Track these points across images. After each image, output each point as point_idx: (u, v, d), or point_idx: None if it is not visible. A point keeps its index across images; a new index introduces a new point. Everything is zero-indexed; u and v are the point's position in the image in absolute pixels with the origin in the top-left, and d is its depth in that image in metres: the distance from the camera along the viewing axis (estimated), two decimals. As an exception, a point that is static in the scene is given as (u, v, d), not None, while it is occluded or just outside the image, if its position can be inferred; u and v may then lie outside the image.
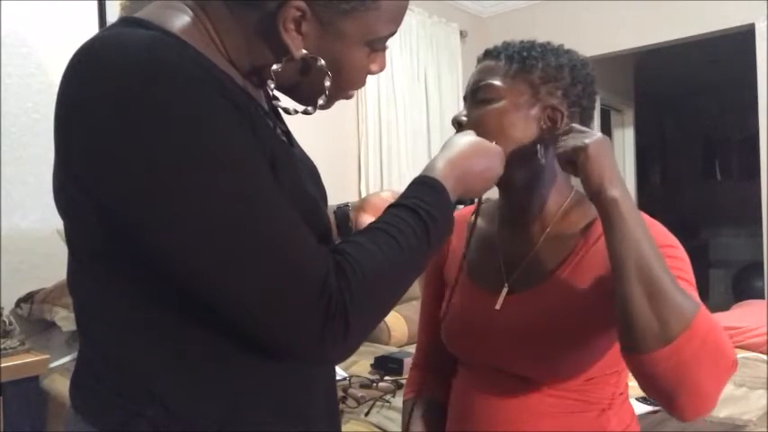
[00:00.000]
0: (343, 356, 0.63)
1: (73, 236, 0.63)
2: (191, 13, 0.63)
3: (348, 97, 0.73)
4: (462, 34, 3.83)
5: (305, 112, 0.70)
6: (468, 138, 0.79)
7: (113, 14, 2.28)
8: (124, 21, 0.61)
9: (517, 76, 0.86)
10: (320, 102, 0.68)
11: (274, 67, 0.64)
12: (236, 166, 0.55)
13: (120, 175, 0.53)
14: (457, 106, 3.75)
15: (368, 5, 0.63)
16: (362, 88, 0.74)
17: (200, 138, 0.53)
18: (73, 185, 0.58)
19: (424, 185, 0.69)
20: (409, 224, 0.64)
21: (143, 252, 0.56)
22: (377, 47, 0.68)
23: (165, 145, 0.52)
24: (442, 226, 0.67)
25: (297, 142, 0.80)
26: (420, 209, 0.65)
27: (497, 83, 0.86)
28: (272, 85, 0.66)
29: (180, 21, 0.62)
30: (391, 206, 0.67)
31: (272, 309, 0.56)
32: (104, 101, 0.53)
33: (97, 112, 0.53)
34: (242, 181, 0.55)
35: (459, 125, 0.88)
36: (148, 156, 0.52)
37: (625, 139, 5.07)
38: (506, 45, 0.89)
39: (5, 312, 1.84)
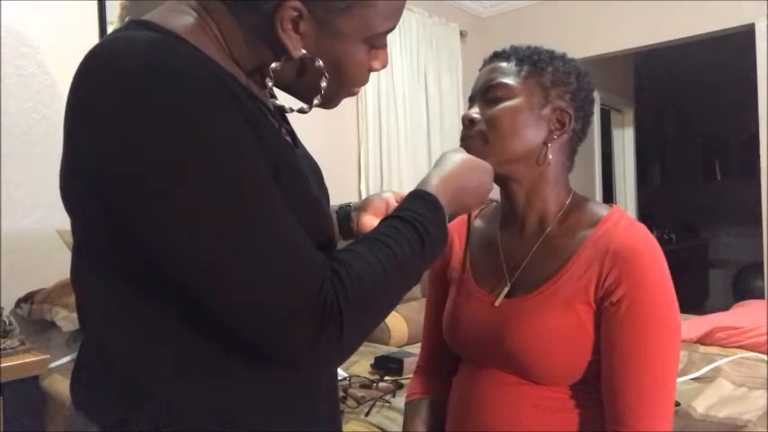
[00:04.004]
0: (336, 363, 0.63)
1: (78, 233, 0.64)
2: (195, 14, 0.64)
3: (353, 94, 0.73)
4: (462, 34, 3.82)
5: (300, 111, 0.71)
6: (461, 155, 0.81)
7: (113, 14, 2.28)
8: (133, 23, 0.61)
9: (529, 77, 0.88)
10: (316, 101, 0.69)
11: (273, 65, 0.65)
12: (237, 170, 0.55)
13: (123, 173, 0.54)
14: (457, 106, 3.75)
15: (363, 3, 0.63)
16: (362, 89, 0.75)
17: (202, 140, 0.54)
18: (80, 183, 0.59)
19: (420, 199, 0.70)
20: (405, 235, 0.64)
21: (143, 250, 0.56)
22: (376, 44, 0.68)
23: (168, 145, 0.53)
24: (436, 239, 0.68)
25: (301, 143, 0.80)
26: (416, 221, 0.66)
27: (510, 82, 0.88)
28: (270, 84, 0.66)
29: (186, 22, 0.62)
30: (387, 218, 0.68)
31: (267, 313, 0.56)
32: (113, 101, 0.54)
33: (106, 113, 0.54)
34: (242, 185, 0.56)
35: (471, 122, 0.89)
36: (151, 155, 0.53)
37: (625, 139, 5.08)
38: (515, 48, 0.91)
39: (5, 312, 1.83)
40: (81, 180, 0.59)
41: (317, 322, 0.56)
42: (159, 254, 0.56)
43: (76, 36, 2.20)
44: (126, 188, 0.54)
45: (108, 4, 2.28)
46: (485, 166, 0.82)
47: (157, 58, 0.54)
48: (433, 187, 0.73)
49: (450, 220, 0.76)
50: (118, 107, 0.53)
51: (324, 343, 0.57)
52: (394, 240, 0.64)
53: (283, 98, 0.76)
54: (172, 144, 0.53)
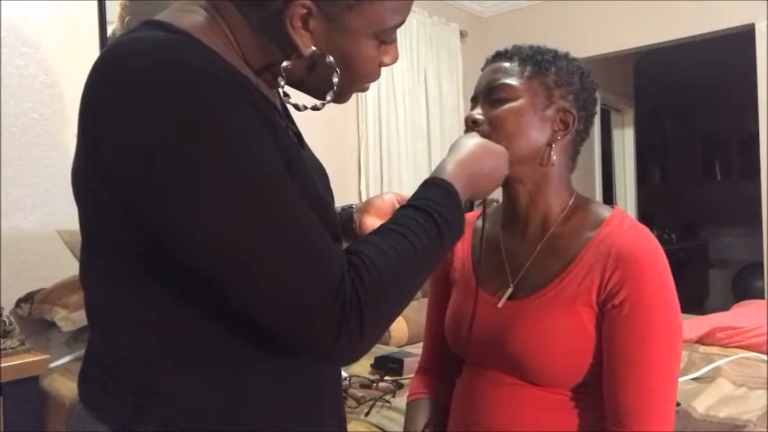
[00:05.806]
0: (358, 355, 0.63)
1: (89, 231, 0.64)
2: (206, 14, 0.64)
3: (364, 89, 0.73)
4: (462, 34, 3.82)
5: (314, 108, 0.70)
6: (475, 139, 0.80)
7: (113, 14, 2.28)
8: (145, 24, 0.62)
9: (533, 77, 0.87)
10: (328, 97, 0.69)
11: (284, 64, 0.65)
12: (257, 167, 0.56)
13: (140, 173, 0.54)
14: (457, 106, 3.75)
15: None
16: (361, 89, 0.75)
17: (221, 139, 0.54)
18: (94, 181, 0.59)
19: (435, 187, 0.70)
20: (421, 225, 0.64)
21: (163, 248, 0.57)
22: (385, 39, 0.68)
23: (188, 145, 0.53)
24: (453, 226, 0.68)
25: (306, 144, 0.80)
26: (432, 209, 0.66)
27: (514, 83, 0.87)
28: (283, 83, 0.67)
29: (198, 22, 0.63)
30: (403, 207, 0.68)
31: (289, 307, 0.56)
32: (129, 102, 0.54)
33: (121, 113, 0.54)
34: (263, 181, 0.56)
35: (474, 123, 0.89)
36: (169, 155, 0.53)
37: (625, 139, 5.07)
38: (517, 48, 0.90)
39: (5, 312, 1.83)
40: (95, 178, 0.59)
41: (337, 315, 0.56)
42: (183, 251, 0.56)
43: (76, 36, 2.20)
44: (144, 188, 0.55)
45: (108, 4, 2.28)
46: (499, 150, 0.82)
47: (173, 58, 0.55)
48: (448, 173, 0.72)
49: (467, 205, 0.75)
50: (133, 107, 0.54)
51: (345, 336, 0.57)
52: (411, 230, 0.64)
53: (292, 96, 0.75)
54: (190, 143, 0.53)
